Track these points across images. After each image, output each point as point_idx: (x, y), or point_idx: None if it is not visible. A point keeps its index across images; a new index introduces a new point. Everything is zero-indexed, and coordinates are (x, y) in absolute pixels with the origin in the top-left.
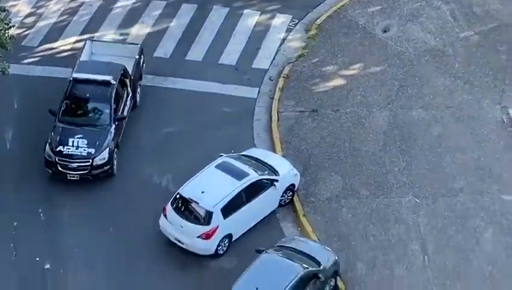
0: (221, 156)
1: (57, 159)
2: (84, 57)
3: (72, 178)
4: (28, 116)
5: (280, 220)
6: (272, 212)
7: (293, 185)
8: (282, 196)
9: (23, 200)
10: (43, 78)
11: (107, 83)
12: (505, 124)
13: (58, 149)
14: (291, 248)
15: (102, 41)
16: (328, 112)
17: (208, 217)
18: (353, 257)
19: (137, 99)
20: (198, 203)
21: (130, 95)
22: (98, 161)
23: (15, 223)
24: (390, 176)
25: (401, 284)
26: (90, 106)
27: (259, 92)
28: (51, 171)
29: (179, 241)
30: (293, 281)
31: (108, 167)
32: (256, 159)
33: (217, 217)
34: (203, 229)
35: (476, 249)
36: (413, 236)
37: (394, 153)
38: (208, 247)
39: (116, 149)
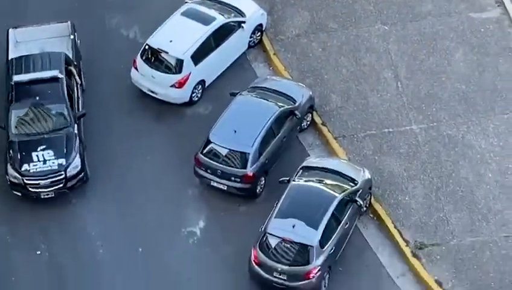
0: (186, 2)
1: (25, 180)
2: (11, 51)
3: (46, 196)
4: None
5: (251, 61)
6: (242, 54)
7: (260, 25)
8: (250, 37)
9: None
10: None
11: (55, 79)
12: None
13: (23, 169)
14: (265, 87)
15: (26, 26)
16: None
17: (179, 65)
18: (327, 91)
19: (83, 83)
20: (167, 53)
21: (79, 83)
22: (72, 170)
23: None
24: (357, 6)
25: (376, 112)
26: (44, 109)
27: None
28: (20, 194)
29: (153, 92)
30: (270, 120)
31: (82, 173)
32: (221, 2)
33: (188, 64)
34: (175, 77)
35: (448, 70)
36: (385, 64)
37: None
38: (182, 95)
39: (84, 151)
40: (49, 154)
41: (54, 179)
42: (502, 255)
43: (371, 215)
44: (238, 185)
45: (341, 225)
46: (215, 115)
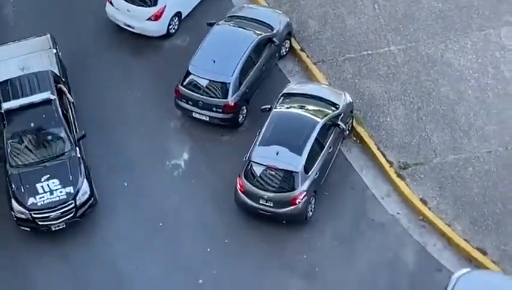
0: None
1: (33, 215)
2: None
3: (57, 228)
4: None
5: None
6: None
7: None
8: None
9: None
10: None
11: (47, 101)
12: None
13: (30, 203)
14: (242, 16)
15: (1, 45)
16: None
17: None
18: (304, 16)
19: (73, 100)
20: None
21: (72, 101)
22: (81, 197)
23: None
24: None
25: (354, 35)
26: (41, 135)
27: None
28: (28, 229)
29: (129, 26)
30: (249, 49)
31: (92, 198)
32: None
33: None
34: (151, 10)
35: None
36: None
37: None
38: (158, 28)
39: (89, 172)
40: (54, 183)
41: (64, 210)
42: (485, 170)
43: (354, 139)
44: (220, 115)
45: (324, 149)
46: (193, 47)
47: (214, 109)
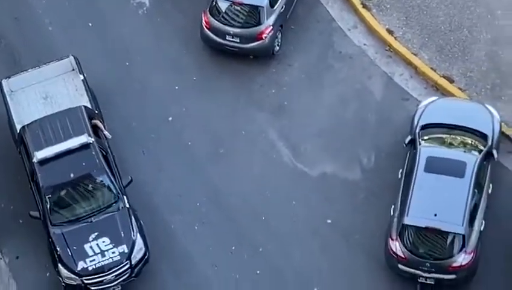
0: None
1: (84, 281)
2: (10, 104)
3: None
4: None
5: None
6: None
7: None
8: None
9: None
10: None
11: (85, 146)
12: None
13: (80, 268)
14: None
15: (20, 72)
16: None
17: None
18: None
19: (110, 136)
20: None
21: (110, 137)
22: (136, 255)
23: None
24: None
25: None
26: (82, 186)
27: None
28: None
29: None
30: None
31: (147, 253)
32: None
33: None
34: None
35: None
36: None
37: None
38: None
39: (141, 223)
40: (105, 243)
41: (118, 272)
42: None
43: None
44: None
45: None
46: None
47: None
